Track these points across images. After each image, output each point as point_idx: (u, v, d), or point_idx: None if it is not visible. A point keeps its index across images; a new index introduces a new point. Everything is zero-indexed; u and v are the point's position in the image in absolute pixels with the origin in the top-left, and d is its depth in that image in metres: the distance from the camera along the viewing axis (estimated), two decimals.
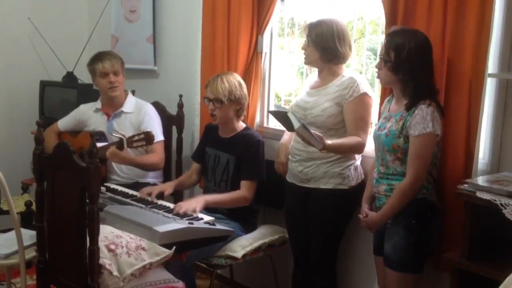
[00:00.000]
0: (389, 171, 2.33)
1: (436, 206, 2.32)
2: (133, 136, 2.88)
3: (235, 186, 2.88)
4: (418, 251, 2.28)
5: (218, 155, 2.97)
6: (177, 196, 3.35)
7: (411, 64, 2.21)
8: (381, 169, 2.36)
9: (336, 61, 2.63)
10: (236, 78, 2.92)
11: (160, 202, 2.85)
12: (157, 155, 3.20)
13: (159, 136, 3.24)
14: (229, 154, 2.92)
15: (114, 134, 2.99)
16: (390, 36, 2.27)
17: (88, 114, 3.40)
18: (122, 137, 2.90)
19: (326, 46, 2.58)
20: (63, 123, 3.47)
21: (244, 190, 2.85)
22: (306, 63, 2.72)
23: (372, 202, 2.48)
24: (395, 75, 2.26)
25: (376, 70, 2.36)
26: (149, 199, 2.86)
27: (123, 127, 3.25)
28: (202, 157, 3.08)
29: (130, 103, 3.34)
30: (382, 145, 2.32)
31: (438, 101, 2.27)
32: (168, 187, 2.96)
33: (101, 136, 3.19)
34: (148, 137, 2.84)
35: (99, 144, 3.01)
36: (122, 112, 3.31)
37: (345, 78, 2.62)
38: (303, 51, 2.67)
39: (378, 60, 2.35)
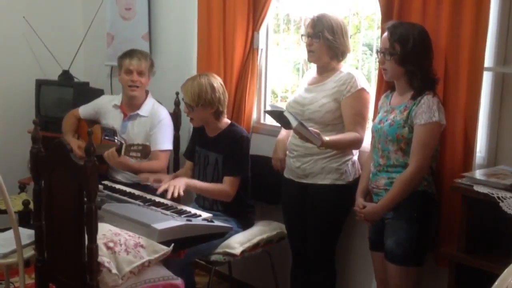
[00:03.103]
0: (390, 163, 2.33)
1: (435, 198, 2.33)
2: (132, 145, 2.87)
3: None
4: (420, 244, 2.29)
5: (208, 155, 2.96)
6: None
7: (417, 54, 2.23)
8: (381, 161, 2.36)
9: (340, 57, 2.64)
10: (210, 81, 2.85)
11: (158, 199, 2.85)
12: (159, 163, 3.17)
13: (165, 145, 3.22)
14: (216, 153, 2.91)
15: (117, 138, 3.00)
16: (392, 29, 2.28)
17: (107, 108, 3.39)
18: (123, 142, 2.90)
19: (335, 43, 2.58)
20: (84, 110, 3.47)
21: (227, 186, 2.84)
22: (311, 60, 2.67)
23: (366, 196, 2.48)
24: (402, 67, 2.27)
25: (381, 66, 2.34)
26: (136, 193, 2.86)
27: (136, 130, 3.26)
28: (193, 156, 3.08)
29: (147, 107, 3.30)
30: (385, 136, 2.32)
31: (437, 92, 2.29)
32: (166, 178, 2.93)
33: (111, 133, 3.19)
34: (144, 151, 2.83)
35: (107, 141, 3.04)
36: (138, 115, 3.28)
37: (342, 73, 2.62)
38: (308, 47, 2.62)
39: (379, 56, 2.33)
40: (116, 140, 3.05)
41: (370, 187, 2.45)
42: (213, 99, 2.84)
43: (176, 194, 2.67)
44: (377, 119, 2.43)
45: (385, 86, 2.51)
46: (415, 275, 2.32)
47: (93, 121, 3.44)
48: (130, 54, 3.26)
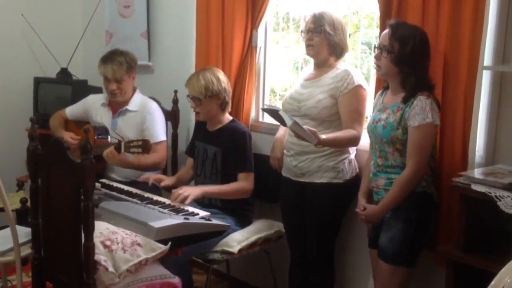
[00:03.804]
0: (388, 163, 2.32)
1: (435, 199, 2.31)
2: (132, 141, 2.88)
3: (226, 178, 2.89)
4: (414, 245, 2.28)
5: (206, 149, 2.97)
6: (167, 189, 3.28)
7: (415, 57, 2.21)
8: (379, 162, 2.35)
9: (339, 54, 2.64)
10: (214, 73, 2.90)
11: (155, 197, 2.84)
12: (157, 155, 3.18)
13: (160, 136, 3.24)
14: (216, 147, 2.92)
15: (113, 136, 2.99)
16: (394, 27, 2.25)
17: (95, 107, 3.40)
18: (121, 139, 2.89)
19: (336, 38, 2.58)
20: (71, 111, 3.47)
21: (244, 182, 2.85)
22: (310, 54, 2.67)
23: (369, 196, 2.46)
24: (396, 67, 2.25)
25: (376, 62, 2.32)
26: (133, 191, 2.87)
27: (127, 125, 3.26)
28: (193, 152, 3.09)
29: (136, 102, 3.31)
30: (380, 137, 2.31)
31: (434, 95, 2.27)
32: (167, 179, 2.96)
33: (103, 131, 3.18)
34: (145, 146, 2.84)
35: (100, 140, 3.03)
36: (127, 110, 3.29)
37: (339, 70, 2.62)
38: (308, 41, 2.62)
39: (376, 51, 2.31)
40: (109, 138, 3.05)
41: (370, 186, 2.44)
42: (220, 89, 2.88)
43: (179, 200, 2.69)
44: (370, 119, 2.42)
45: (382, 84, 2.50)
46: (404, 276, 2.30)
47: (81, 122, 3.44)
48: (104, 60, 3.23)
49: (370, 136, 2.43)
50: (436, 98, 2.27)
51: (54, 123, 3.45)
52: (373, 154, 2.41)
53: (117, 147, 2.89)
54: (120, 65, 3.21)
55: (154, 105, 3.33)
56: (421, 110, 2.18)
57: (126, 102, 3.30)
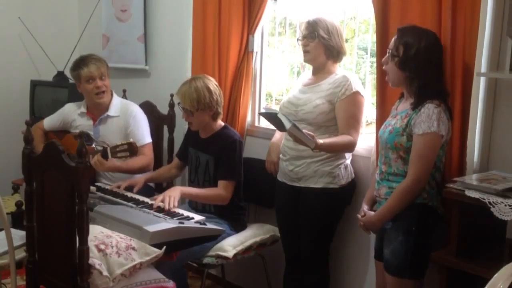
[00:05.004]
0: (391, 170, 2.27)
1: (438, 212, 2.25)
2: (117, 146, 2.85)
3: None
4: (417, 257, 2.22)
5: (199, 156, 2.97)
6: (159, 190, 3.27)
7: (418, 62, 2.17)
8: (383, 168, 2.30)
9: (336, 58, 2.64)
10: (205, 84, 2.85)
11: (150, 201, 2.83)
12: (145, 158, 3.18)
13: (146, 139, 3.23)
14: (208, 154, 2.91)
15: (97, 145, 2.97)
16: (401, 32, 2.23)
17: (73, 116, 3.35)
18: (106, 146, 2.88)
19: (331, 42, 2.59)
20: (49, 122, 3.43)
21: (222, 190, 2.84)
22: (307, 60, 2.68)
23: (373, 205, 2.42)
24: (401, 72, 2.22)
25: (384, 66, 2.29)
26: (128, 195, 2.87)
27: (110, 132, 3.22)
28: (185, 157, 3.09)
29: (116, 106, 3.27)
30: (385, 142, 2.27)
31: (448, 104, 2.23)
32: (138, 182, 2.95)
33: (86, 138, 3.16)
34: (131, 149, 2.82)
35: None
36: (108, 116, 3.25)
37: (338, 76, 2.62)
38: (304, 47, 2.64)
39: (387, 55, 2.28)
40: (94, 145, 3.02)
41: (374, 195, 2.39)
42: (212, 102, 2.85)
43: (171, 205, 2.68)
44: (383, 124, 2.38)
45: (390, 92, 2.47)
46: None
47: (62, 132, 3.40)
48: (84, 62, 3.19)
49: (379, 142, 2.39)
50: (449, 108, 2.22)
51: (35, 145, 3.31)
52: (379, 161, 2.37)
53: (104, 154, 2.88)
54: (100, 61, 3.21)
55: (135, 108, 3.30)
56: (427, 118, 2.13)
57: (106, 108, 3.25)
